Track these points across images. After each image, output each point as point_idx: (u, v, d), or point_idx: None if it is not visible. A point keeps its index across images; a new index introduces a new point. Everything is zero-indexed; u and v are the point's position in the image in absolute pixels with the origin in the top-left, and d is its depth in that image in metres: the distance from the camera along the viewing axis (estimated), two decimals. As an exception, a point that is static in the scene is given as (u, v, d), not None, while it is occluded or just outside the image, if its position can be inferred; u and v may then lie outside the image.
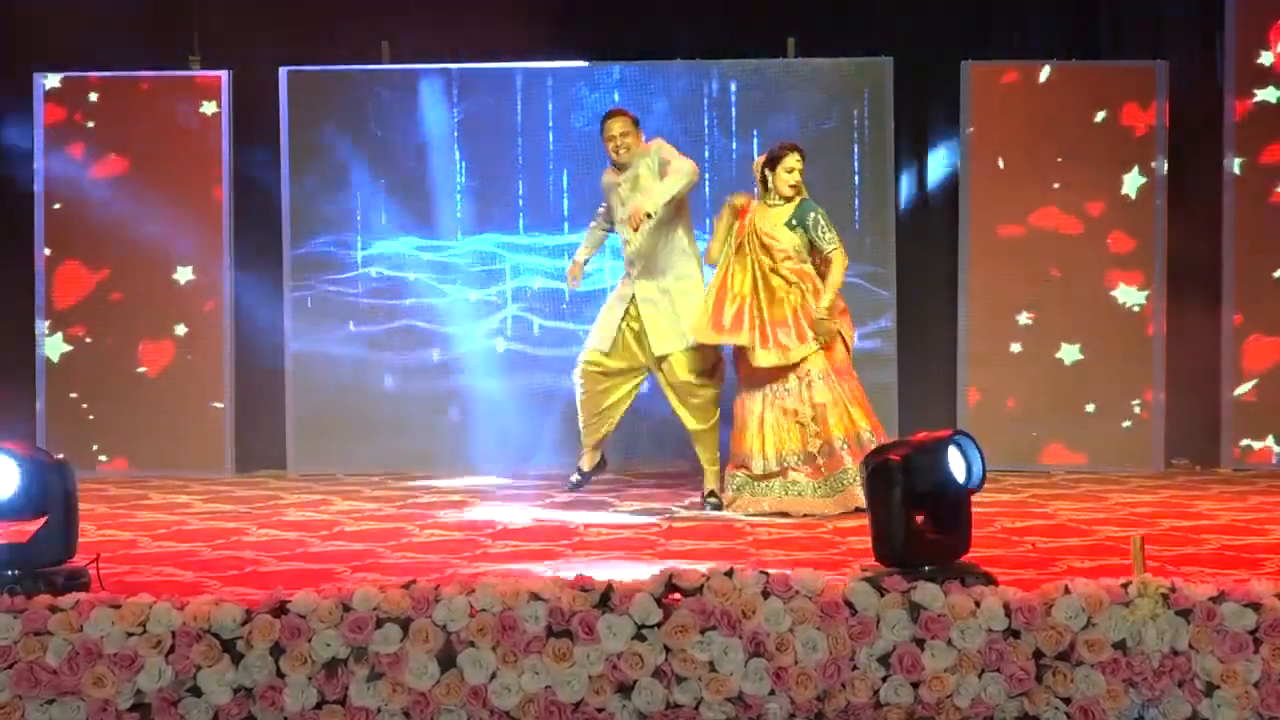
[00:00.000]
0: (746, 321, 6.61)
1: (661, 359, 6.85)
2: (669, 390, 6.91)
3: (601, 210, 7.16)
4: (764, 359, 6.57)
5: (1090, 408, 8.28)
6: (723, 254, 6.80)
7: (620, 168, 6.87)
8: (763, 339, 6.58)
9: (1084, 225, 8.32)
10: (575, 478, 7.18)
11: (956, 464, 4.15)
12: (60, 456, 4.36)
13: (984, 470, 4.19)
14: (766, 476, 6.65)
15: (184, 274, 8.42)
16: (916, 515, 4.14)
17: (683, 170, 6.61)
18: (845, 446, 6.56)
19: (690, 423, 6.91)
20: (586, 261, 7.28)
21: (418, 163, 8.51)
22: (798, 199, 6.74)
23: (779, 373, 6.62)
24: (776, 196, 6.76)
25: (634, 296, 6.88)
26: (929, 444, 4.17)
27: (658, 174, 6.71)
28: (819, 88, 8.46)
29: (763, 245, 6.70)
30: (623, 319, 6.91)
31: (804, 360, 6.60)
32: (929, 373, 8.48)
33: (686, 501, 7.03)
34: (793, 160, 6.73)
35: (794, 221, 6.70)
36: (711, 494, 6.87)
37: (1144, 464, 8.21)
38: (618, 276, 7.42)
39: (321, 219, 8.52)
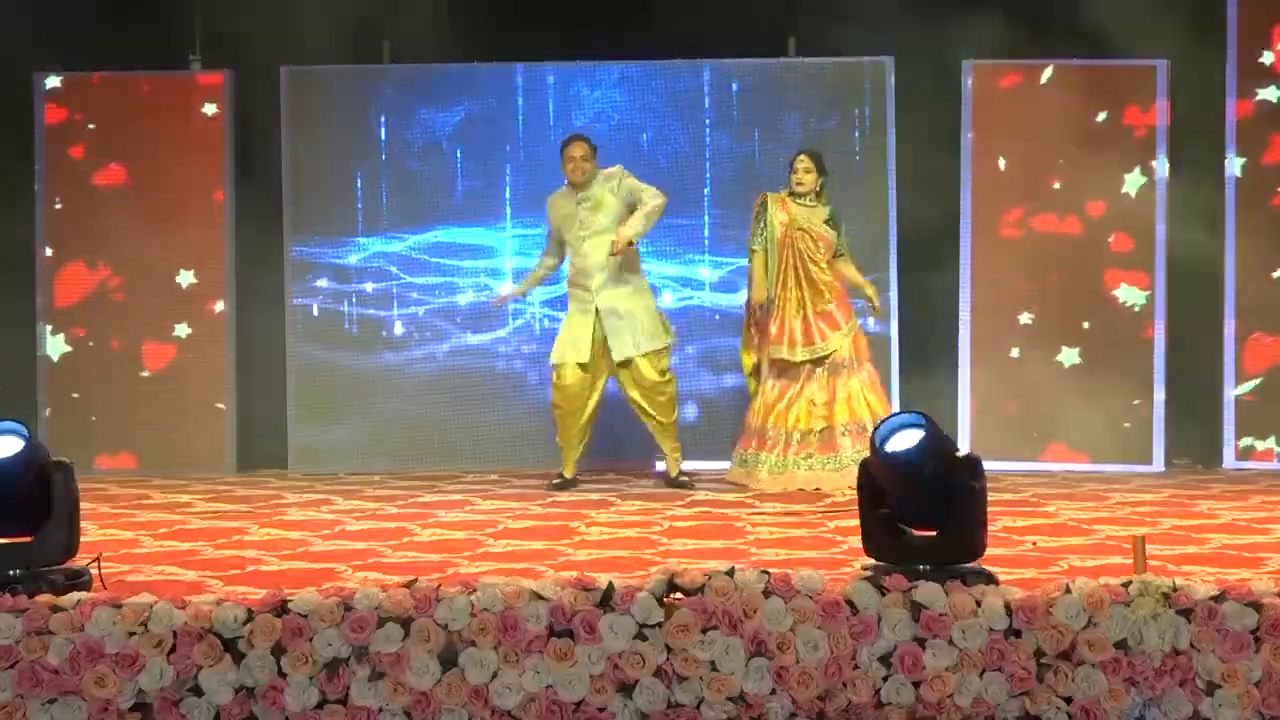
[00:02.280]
0: (804, 328, 7.41)
1: (625, 363, 7.39)
2: (635, 391, 7.44)
3: (549, 242, 7.62)
4: (803, 354, 7.37)
5: (1091, 407, 8.28)
6: (771, 267, 7.46)
7: (575, 188, 7.39)
8: (807, 337, 7.37)
9: (1084, 225, 8.32)
10: (558, 481, 7.54)
11: None
12: (62, 458, 4.34)
13: None
14: (786, 451, 7.33)
15: (185, 273, 8.43)
16: None
17: (658, 202, 7.29)
18: (846, 433, 7.28)
19: (661, 417, 7.49)
20: (524, 295, 7.95)
21: (419, 162, 8.51)
22: (829, 205, 7.44)
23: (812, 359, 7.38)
24: (798, 193, 7.45)
25: (597, 309, 7.38)
26: None
27: (622, 199, 7.33)
28: (819, 88, 8.47)
29: (810, 240, 7.40)
30: (592, 330, 7.40)
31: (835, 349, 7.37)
32: (930, 372, 8.47)
33: (687, 499, 7.04)
34: (797, 162, 7.46)
35: (832, 222, 7.42)
36: (681, 475, 7.56)
37: (1145, 463, 8.22)
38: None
39: (322, 218, 8.53)
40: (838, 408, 7.32)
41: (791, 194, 7.46)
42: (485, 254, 8.56)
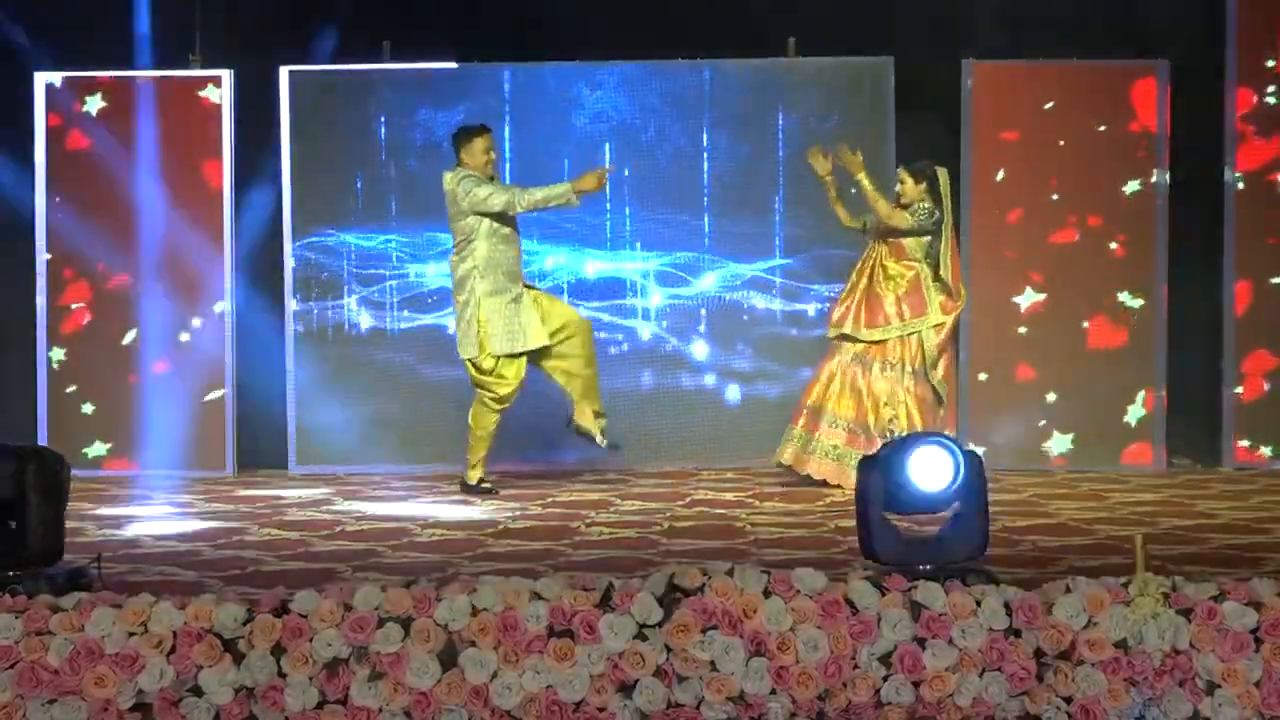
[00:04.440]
0: (846, 310, 7.45)
1: (563, 329, 7.30)
2: (579, 349, 7.32)
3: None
4: (832, 330, 7.48)
5: (1091, 407, 8.28)
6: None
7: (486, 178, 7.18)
8: (843, 319, 7.43)
9: (1085, 225, 8.31)
10: (488, 485, 7.37)
11: None
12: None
13: None
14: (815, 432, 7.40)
15: (185, 273, 8.42)
16: None
17: None
18: (863, 434, 7.28)
19: (590, 367, 7.35)
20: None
21: (419, 162, 8.51)
22: (924, 208, 7.34)
23: (869, 346, 7.38)
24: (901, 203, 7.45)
25: (535, 296, 7.30)
26: None
27: None
28: (819, 88, 8.47)
29: (886, 237, 7.41)
30: (530, 315, 7.24)
31: (887, 346, 7.34)
32: (930, 372, 8.47)
33: (688, 499, 7.04)
34: (897, 174, 7.50)
35: (915, 222, 7.33)
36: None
37: (1145, 463, 8.21)
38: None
39: (322, 218, 8.52)
40: (866, 409, 7.33)
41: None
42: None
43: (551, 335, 7.21)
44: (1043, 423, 8.29)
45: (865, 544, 4.23)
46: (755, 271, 8.49)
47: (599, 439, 7.36)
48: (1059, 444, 8.28)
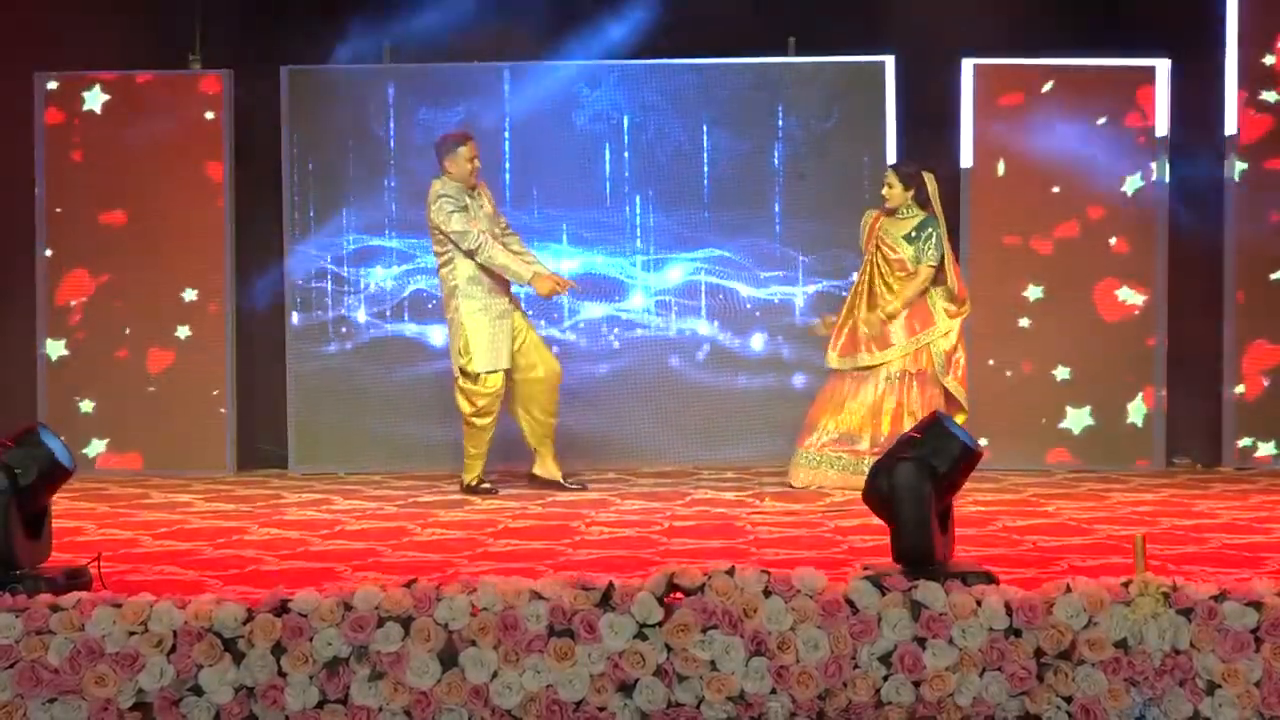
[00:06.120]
0: (851, 338, 7.38)
1: (533, 366, 7.31)
2: (545, 391, 7.33)
3: (483, 229, 7.24)
4: (832, 360, 7.40)
5: (1091, 407, 8.27)
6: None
7: (469, 189, 7.25)
8: (850, 344, 7.35)
9: (1085, 224, 8.31)
10: (487, 486, 7.38)
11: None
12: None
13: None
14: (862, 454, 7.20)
15: (185, 274, 8.41)
16: None
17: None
18: (867, 443, 7.24)
19: (550, 418, 7.39)
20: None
21: (419, 162, 8.50)
22: (924, 214, 7.31)
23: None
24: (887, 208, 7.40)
25: (513, 312, 7.31)
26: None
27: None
28: (819, 87, 8.46)
29: (882, 252, 7.36)
30: (512, 334, 7.27)
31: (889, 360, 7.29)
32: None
33: (688, 499, 7.04)
34: (885, 176, 7.41)
35: (913, 234, 7.28)
36: (568, 475, 7.45)
37: (1145, 463, 8.21)
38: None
39: (322, 219, 8.52)
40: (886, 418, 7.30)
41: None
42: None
43: (520, 369, 7.28)
44: (1043, 421, 8.29)
45: None
46: (754, 270, 8.49)
47: (564, 481, 7.42)
48: (1059, 443, 8.28)
